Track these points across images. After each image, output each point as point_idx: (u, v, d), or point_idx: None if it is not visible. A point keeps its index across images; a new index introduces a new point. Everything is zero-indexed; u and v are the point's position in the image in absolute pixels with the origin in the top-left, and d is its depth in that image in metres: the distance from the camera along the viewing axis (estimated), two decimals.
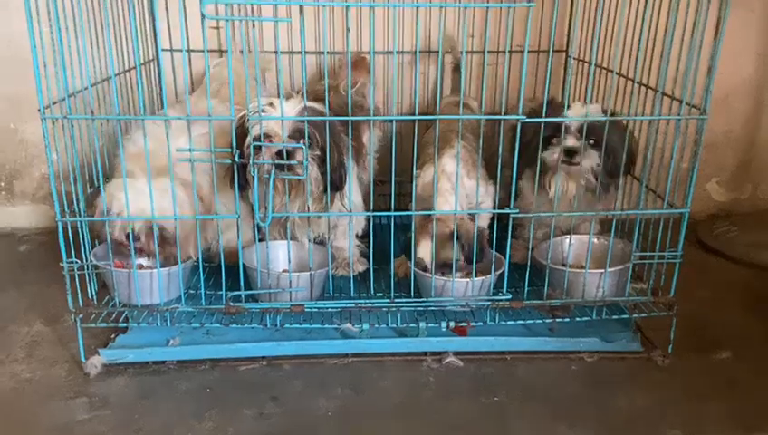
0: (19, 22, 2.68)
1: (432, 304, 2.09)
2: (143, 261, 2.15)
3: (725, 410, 1.91)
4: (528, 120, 1.91)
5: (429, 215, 2.05)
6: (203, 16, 1.68)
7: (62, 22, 1.83)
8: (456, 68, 2.77)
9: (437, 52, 2.73)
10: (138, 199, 1.96)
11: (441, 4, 1.82)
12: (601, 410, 1.91)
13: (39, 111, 1.83)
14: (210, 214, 2.07)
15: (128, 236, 1.99)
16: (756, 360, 2.14)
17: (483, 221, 2.22)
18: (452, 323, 2.10)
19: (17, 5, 2.67)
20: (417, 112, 1.95)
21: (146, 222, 1.99)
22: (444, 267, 2.10)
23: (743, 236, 2.94)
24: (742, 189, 3.27)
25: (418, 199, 2.16)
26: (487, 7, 1.86)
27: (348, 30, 1.74)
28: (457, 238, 2.04)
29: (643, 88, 2.12)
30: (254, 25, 1.72)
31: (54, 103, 1.86)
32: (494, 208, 2.19)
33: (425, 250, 2.06)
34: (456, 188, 2.06)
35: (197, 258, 2.05)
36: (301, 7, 1.72)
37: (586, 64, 2.64)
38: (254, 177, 1.94)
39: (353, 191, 2.17)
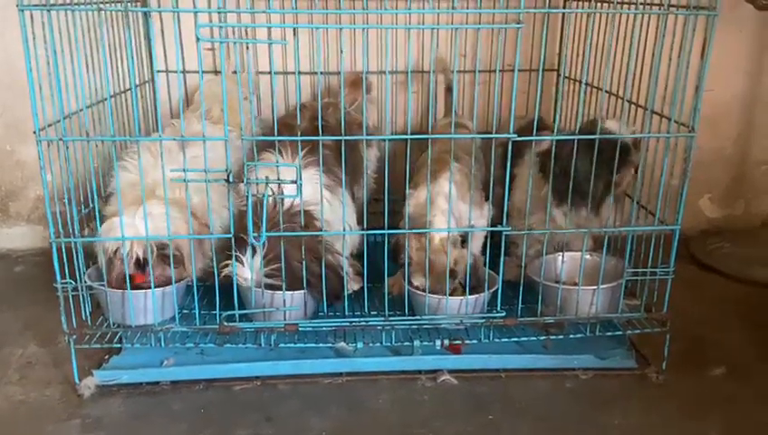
0: (14, 45, 2.72)
1: (426, 322, 2.09)
2: None
3: (721, 427, 1.91)
4: (519, 138, 1.93)
5: (422, 240, 2.06)
6: (198, 39, 1.70)
7: (58, 45, 1.85)
8: (449, 89, 2.79)
9: (428, 72, 2.76)
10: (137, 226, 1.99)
11: (433, 26, 1.85)
12: (596, 428, 1.91)
13: (34, 132, 1.84)
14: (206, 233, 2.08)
15: (137, 262, 2.02)
16: (751, 376, 2.14)
17: (477, 242, 2.24)
18: (446, 342, 2.10)
19: (12, 28, 2.71)
20: (409, 131, 1.96)
21: (154, 245, 2.01)
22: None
23: (736, 252, 2.95)
24: (734, 206, 3.29)
25: (411, 219, 2.17)
26: (478, 29, 1.89)
27: (341, 51, 1.77)
28: (451, 274, 2.05)
29: (633, 106, 2.14)
30: (248, 48, 1.74)
31: (50, 125, 1.88)
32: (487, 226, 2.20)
33: (420, 281, 2.08)
34: (449, 210, 2.07)
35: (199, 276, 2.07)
36: (295, 29, 1.74)
37: (576, 83, 2.68)
38: (247, 196, 1.95)
39: (347, 213, 2.18)
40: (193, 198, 2.00)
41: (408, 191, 2.21)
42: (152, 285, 2.03)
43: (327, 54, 2.66)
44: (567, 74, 2.69)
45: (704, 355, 2.23)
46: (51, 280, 2.01)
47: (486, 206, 2.25)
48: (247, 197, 1.93)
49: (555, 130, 1.99)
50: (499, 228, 2.02)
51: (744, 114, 3.16)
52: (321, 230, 2.04)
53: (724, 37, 1.91)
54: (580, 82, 2.34)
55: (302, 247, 1.98)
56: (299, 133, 2.05)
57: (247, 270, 2.00)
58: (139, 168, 1.97)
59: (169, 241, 1.99)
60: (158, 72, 2.63)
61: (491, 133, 2.04)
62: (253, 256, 1.98)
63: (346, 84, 2.43)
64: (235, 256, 1.98)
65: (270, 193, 1.94)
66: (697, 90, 1.93)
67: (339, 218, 2.14)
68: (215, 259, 2.00)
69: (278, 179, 1.94)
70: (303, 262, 1.99)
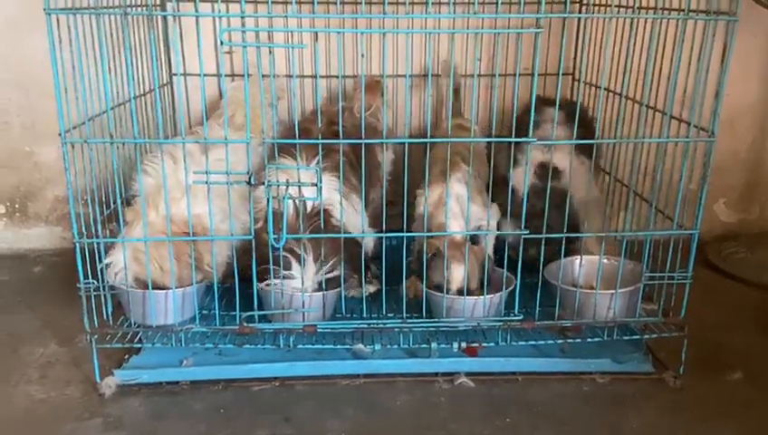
0: (33, 48, 2.77)
1: (444, 324, 2.10)
2: None
3: (737, 431, 1.91)
4: (539, 142, 1.94)
5: (440, 237, 2.08)
6: (221, 43, 1.73)
7: (83, 48, 1.87)
8: (455, 92, 2.80)
9: (437, 75, 2.78)
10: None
11: (452, 30, 1.86)
12: (613, 432, 1.91)
13: (60, 135, 1.86)
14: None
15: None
16: None
17: (489, 242, 2.26)
18: (463, 344, 2.11)
19: (31, 33, 2.75)
20: (429, 135, 1.98)
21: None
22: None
23: (751, 257, 2.95)
24: (749, 210, 3.28)
25: (420, 219, 2.18)
26: (497, 33, 1.90)
27: (363, 55, 1.78)
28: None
29: (650, 110, 2.15)
30: (270, 52, 1.77)
31: (74, 127, 1.90)
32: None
33: (459, 274, 2.08)
34: (468, 212, 2.08)
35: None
36: (315, 34, 1.76)
37: (592, 87, 2.68)
38: (268, 198, 1.97)
39: (363, 217, 2.20)
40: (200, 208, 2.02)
41: (427, 192, 2.23)
42: (173, 285, 2.05)
43: (344, 59, 2.68)
44: (584, 79, 2.69)
45: (720, 360, 2.22)
46: (69, 280, 2.04)
47: (494, 207, 2.27)
48: (268, 199, 1.95)
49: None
50: (517, 232, 2.02)
51: (760, 118, 3.16)
52: (341, 226, 2.06)
53: (739, 42, 1.90)
54: (597, 86, 2.35)
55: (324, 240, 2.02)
56: (319, 138, 2.07)
57: (300, 280, 2.03)
58: (161, 171, 1.98)
59: (191, 244, 2.01)
60: (180, 74, 2.64)
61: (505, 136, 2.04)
62: (304, 265, 2.01)
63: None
64: (286, 269, 2.01)
65: (290, 196, 1.96)
66: (717, 95, 1.93)
67: (353, 226, 2.17)
68: (235, 261, 2.01)
69: (298, 182, 1.96)
70: (322, 256, 2.01)
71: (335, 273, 2.05)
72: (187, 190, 1.95)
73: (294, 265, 2.02)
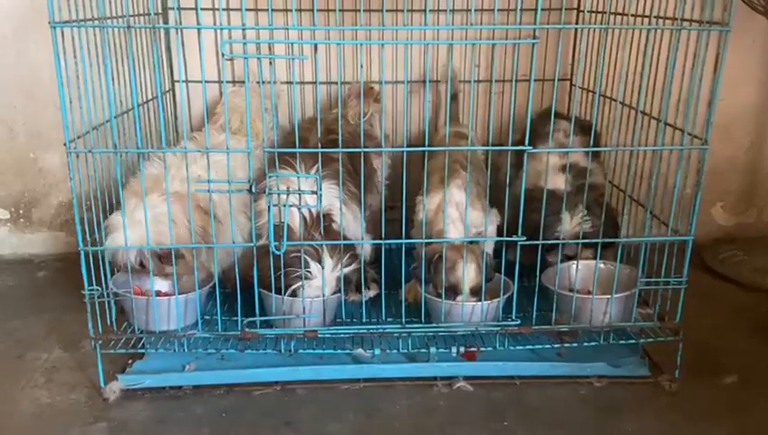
0: (37, 57, 2.81)
1: (442, 329, 2.13)
2: (161, 287, 2.21)
3: None
4: (534, 150, 1.96)
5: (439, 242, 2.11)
6: (222, 55, 1.76)
7: (87, 59, 1.90)
8: (454, 97, 2.83)
9: (436, 81, 2.81)
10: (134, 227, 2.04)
11: (450, 41, 1.89)
12: None
13: (65, 145, 1.89)
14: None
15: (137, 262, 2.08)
16: (763, 384, 2.16)
17: (488, 248, 2.28)
18: (462, 349, 2.14)
19: (35, 42, 2.79)
20: (427, 142, 2.01)
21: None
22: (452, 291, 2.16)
23: (749, 260, 2.97)
24: (747, 214, 3.31)
25: (419, 225, 2.21)
26: (493, 44, 1.93)
27: (362, 66, 1.81)
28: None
29: (646, 117, 2.17)
30: (270, 63, 1.80)
31: (79, 137, 1.93)
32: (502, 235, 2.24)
33: (470, 273, 2.12)
34: (466, 219, 2.11)
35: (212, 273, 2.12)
36: (315, 46, 1.79)
37: (589, 92, 2.71)
38: (269, 206, 2.00)
39: (358, 226, 2.23)
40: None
41: (425, 199, 2.26)
42: (176, 291, 2.08)
43: (344, 65, 2.71)
44: (581, 84, 2.72)
45: (716, 364, 2.25)
46: (72, 285, 2.07)
47: (494, 212, 2.30)
48: (269, 207, 1.98)
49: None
50: (514, 238, 2.05)
51: (757, 123, 3.18)
52: (340, 228, 2.10)
53: (736, 47, 1.93)
54: (593, 91, 2.38)
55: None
56: (318, 146, 2.10)
57: (320, 282, 2.06)
58: (163, 173, 2.02)
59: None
60: (182, 81, 2.68)
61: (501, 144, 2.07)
62: (324, 268, 2.06)
63: (356, 96, 2.49)
64: (306, 272, 2.05)
65: (291, 204, 1.99)
66: (710, 104, 1.96)
67: (352, 233, 2.20)
68: (236, 266, 2.05)
69: (298, 190, 1.99)
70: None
71: (353, 266, 2.09)
72: (189, 194, 1.98)
73: (313, 265, 2.05)
